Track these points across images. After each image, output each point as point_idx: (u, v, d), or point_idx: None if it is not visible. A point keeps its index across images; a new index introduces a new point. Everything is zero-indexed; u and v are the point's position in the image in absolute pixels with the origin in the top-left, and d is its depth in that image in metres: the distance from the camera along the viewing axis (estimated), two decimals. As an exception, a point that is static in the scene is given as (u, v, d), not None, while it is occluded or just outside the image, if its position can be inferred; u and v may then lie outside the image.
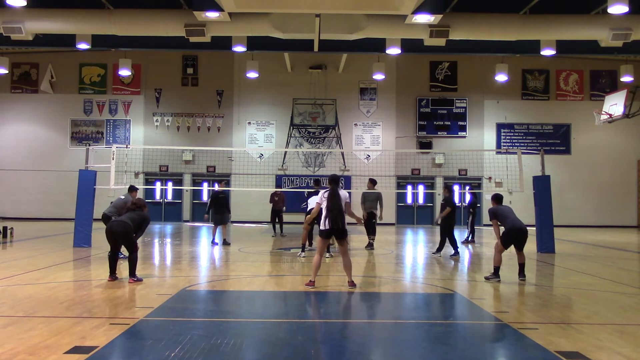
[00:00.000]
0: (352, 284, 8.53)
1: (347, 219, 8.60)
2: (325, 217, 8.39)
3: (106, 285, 8.49)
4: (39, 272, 9.66)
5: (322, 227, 8.46)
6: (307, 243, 13.36)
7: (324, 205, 8.49)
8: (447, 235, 13.18)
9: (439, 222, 13.39)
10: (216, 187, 17.06)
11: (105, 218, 11.60)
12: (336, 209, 8.35)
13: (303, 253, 12.71)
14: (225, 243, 15.09)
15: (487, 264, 12.47)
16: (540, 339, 5.58)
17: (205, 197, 27.43)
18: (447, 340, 5.79)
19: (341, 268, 10.76)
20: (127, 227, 8.81)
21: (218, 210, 15.21)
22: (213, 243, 15.25)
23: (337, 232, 8.41)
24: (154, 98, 27.38)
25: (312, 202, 12.18)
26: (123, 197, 12.25)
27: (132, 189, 12.52)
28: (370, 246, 14.59)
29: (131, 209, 9.27)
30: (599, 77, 27.67)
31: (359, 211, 14.33)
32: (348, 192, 9.23)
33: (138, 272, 8.96)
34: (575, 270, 11.10)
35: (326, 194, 8.52)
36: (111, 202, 12.35)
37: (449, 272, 10.84)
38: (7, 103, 27.18)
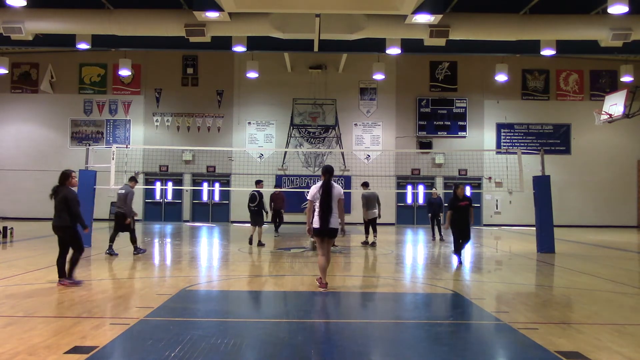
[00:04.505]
0: (321, 283, 8.14)
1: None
2: (317, 214, 7.95)
3: (106, 285, 8.48)
4: (39, 272, 9.67)
5: (314, 225, 8.04)
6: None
7: (317, 202, 7.95)
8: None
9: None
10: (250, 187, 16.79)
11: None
12: (328, 206, 7.86)
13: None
14: (261, 244, 14.91)
15: (487, 264, 12.47)
16: (540, 339, 5.57)
17: (205, 197, 27.44)
18: (447, 340, 5.78)
19: (341, 268, 10.80)
20: (59, 229, 8.21)
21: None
22: (262, 244, 14.84)
23: (327, 232, 8.03)
24: (154, 98, 27.37)
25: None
26: (122, 190, 12.38)
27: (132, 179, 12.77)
28: (372, 244, 14.72)
29: (55, 191, 8.21)
30: (599, 77, 27.66)
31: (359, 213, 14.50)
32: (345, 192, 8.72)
33: (138, 272, 8.93)
34: (575, 270, 11.08)
35: (321, 190, 7.95)
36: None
37: (449, 272, 10.83)
38: (7, 103, 27.17)
